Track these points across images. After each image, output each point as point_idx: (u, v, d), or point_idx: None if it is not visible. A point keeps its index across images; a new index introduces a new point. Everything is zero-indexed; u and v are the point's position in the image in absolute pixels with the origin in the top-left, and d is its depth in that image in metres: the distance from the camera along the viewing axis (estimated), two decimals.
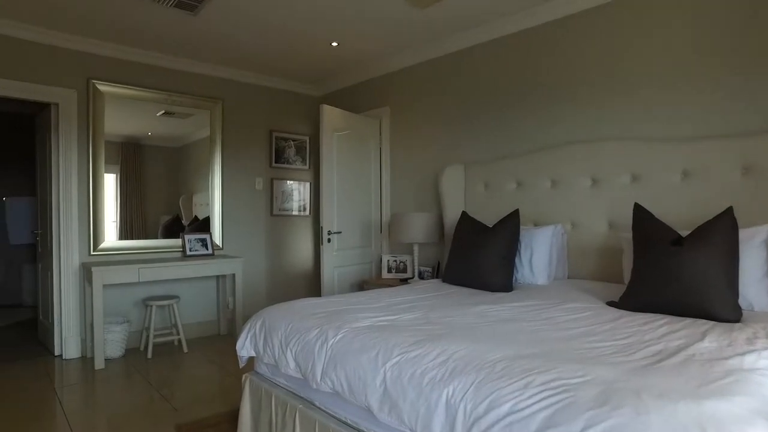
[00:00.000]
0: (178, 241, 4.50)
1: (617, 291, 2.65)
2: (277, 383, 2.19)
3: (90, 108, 4.05)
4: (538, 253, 3.10)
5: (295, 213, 5.35)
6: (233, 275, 4.45)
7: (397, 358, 1.61)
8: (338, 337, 1.84)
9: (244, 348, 2.27)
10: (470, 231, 3.26)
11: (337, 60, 4.57)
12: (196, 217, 4.65)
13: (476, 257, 3.05)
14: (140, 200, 4.32)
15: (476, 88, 3.89)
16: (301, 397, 2.04)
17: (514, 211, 3.09)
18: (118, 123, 4.19)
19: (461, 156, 4.01)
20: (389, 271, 4.26)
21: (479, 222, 3.32)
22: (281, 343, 2.05)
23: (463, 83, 3.98)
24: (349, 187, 4.36)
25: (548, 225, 3.20)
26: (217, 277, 4.77)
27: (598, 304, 2.36)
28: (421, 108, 4.33)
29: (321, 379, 1.81)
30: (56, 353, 4.07)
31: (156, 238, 4.40)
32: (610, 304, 2.37)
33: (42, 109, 4.40)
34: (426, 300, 2.55)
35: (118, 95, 4.19)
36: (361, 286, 4.27)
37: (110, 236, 4.17)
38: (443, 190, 3.88)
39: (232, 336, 4.69)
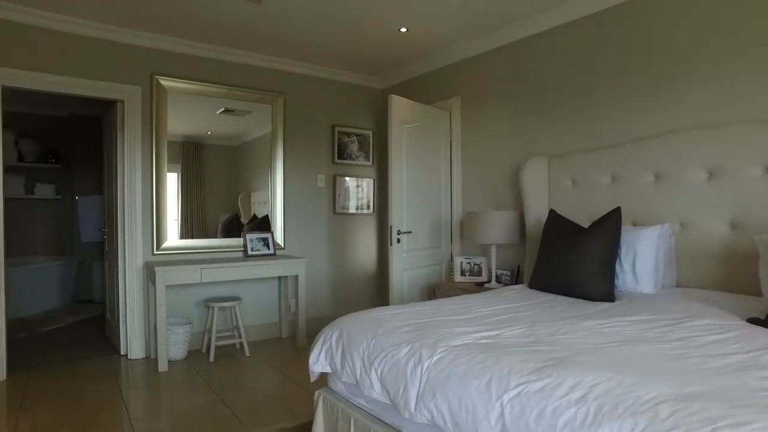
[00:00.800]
0: (238, 241, 4.36)
1: (753, 305, 2.22)
2: (358, 405, 1.93)
3: (153, 104, 3.96)
4: (643, 258, 2.69)
5: (358, 211, 5.11)
6: (296, 276, 4.25)
7: (517, 390, 1.30)
8: (435, 358, 1.55)
9: (318, 362, 2.01)
10: (562, 232, 2.89)
11: (405, 47, 4.28)
12: (254, 215, 4.50)
13: (571, 262, 2.68)
14: (200, 199, 4.21)
15: (560, 74, 3.50)
16: (387, 424, 1.76)
17: (615, 209, 2.69)
18: (179, 123, 4.09)
19: (542, 148, 3.63)
20: (462, 273, 3.93)
21: (571, 222, 2.94)
22: (363, 360, 1.78)
23: (544, 68, 3.60)
24: (418, 184, 4.06)
25: (653, 225, 2.79)
26: (279, 277, 4.60)
27: (736, 321, 1.96)
28: (497, 97, 3.97)
29: (415, 408, 1.52)
30: (122, 352, 4.01)
31: (215, 237, 4.27)
32: (753, 321, 1.96)
33: (109, 107, 4.36)
34: (521, 311, 2.21)
35: (180, 90, 4.08)
36: (433, 290, 3.96)
37: (172, 235, 4.07)
38: (525, 186, 3.51)
39: (294, 339, 4.50)
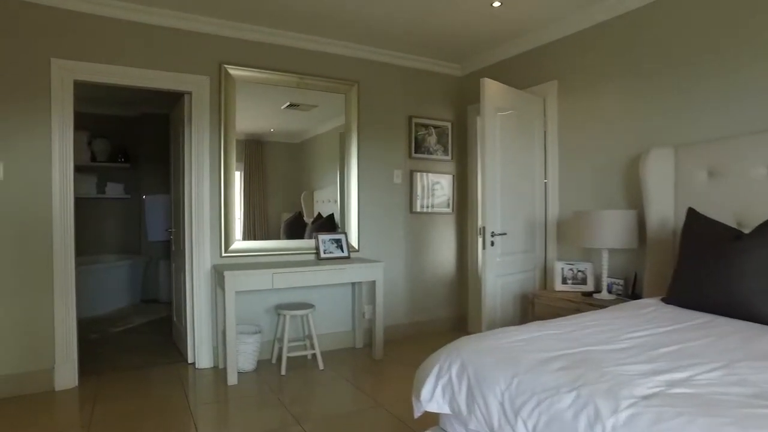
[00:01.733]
0: (309, 243, 4.02)
1: None
2: None
3: (221, 95, 3.69)
4: None
5: (436, 210, 4.67)
6: (372, 282, 3.87)
7: None
8: (623, 417, 1.09)
9: (434, 401, 1.59)
10: (713, 237, 2.34)
11: (494, 27, 3.80)
12: (319, 214, 4.16)
13: (732, 274, 2.13)
14: (262, 198, 3.91)
15: (695, 44, 2.91)
16: None
17: None
18: (243, 120, 3.80)
19: (666, 136, 3.06)
20: (564, 281, 3.41)
21: (723, 224, 2.38)
22: (504, 407, 1.34)
23: (673, 39, 3.02)
24: (512, 179, 3.57)
25: None
26: (352, 282, 4.22)
27: None
28: (605, 79, 3.42)
29: None
30: (189, 360, 3.76)
31: (278, 237, 3.96)
32: None
33: (175, 102, 4.15)
34: (688, 339, 1.70)
35: (248, 79, 3.79)
36: (530, 300, 3.47)
37: (240, 237, 3.78)
38: (646, 181, 2.95)
39: (369, 349, 4.12)
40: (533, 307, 3.40)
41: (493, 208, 3.37)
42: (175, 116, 4.16)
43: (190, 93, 3.65)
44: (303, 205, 4.14)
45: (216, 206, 3.69)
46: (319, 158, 4.20)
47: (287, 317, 3.56)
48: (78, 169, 6.62)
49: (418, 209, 4.57)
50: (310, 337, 3.78)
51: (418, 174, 4.56)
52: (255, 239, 3.84)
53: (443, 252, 4.75)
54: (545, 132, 3.88)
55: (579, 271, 3.39)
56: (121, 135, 6.63)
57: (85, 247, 6.36)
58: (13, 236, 3.14)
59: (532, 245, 3.81)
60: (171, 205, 4.51)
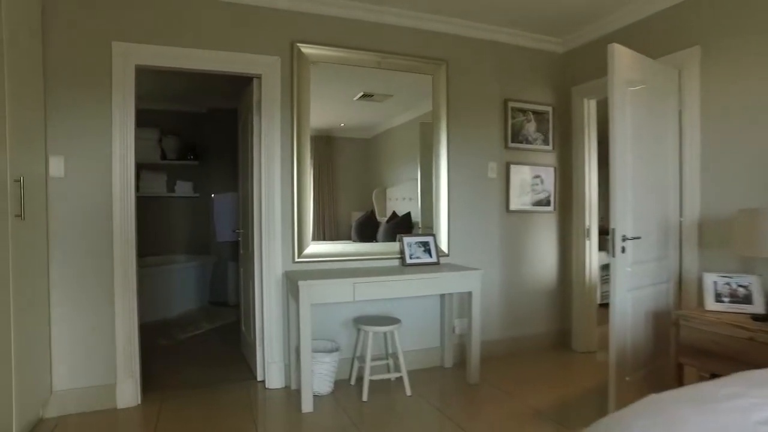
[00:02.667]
0: (391, 246, 3.51)
1: None
2: None
3: (294, 77, 3.24)
4: None
5: (535, 208, 4.02)
6: (467, 293, 3.29)
7: None
8: None
9: None
10: None
11: None
12: (394, 213, 3.64)
13: None
14: (332, 197, 3.43)
15: None
16: None
17: None
18: (312, 116, 3.33)
19: None
20: (718, 299, 2.68)
21: None
22: None
23: None
24: (642, 170, 2.87)
25: None
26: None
27: None
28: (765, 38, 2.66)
29: None
30: (259, 378, 3.35)
31: (348, 238, 3.47)
32: None
33: (243, 92, 3.76)
34: None
35: (323, 59, 3.32)
36: (674, 321, 2.75)
37: (315, 240, 3.32)
38: None
39: (461, 370, 3.54)
40: (678, 330, 2.69)
41: (623, 205, 2.70)
42: (244, 106, 3.77)
43: (259, 77, 3.23)
44: (375, 204, 3.64)
45: (288, 205, 3.25)
46: (393, 153, 3.69)
47: (370, 334, 3.05)
48: (148, 167, 6.51)
49: (515, 207, 3.94)
50: (394, 356, 3.27)
51: (515, 167, 3.93)
52: (325, 240, 3.38)
53: (543, 257, 4.08)
54: (680, 111, 3.14)
55: (740, 286, 2.65)
56: (190, 132, 6.43)
57: (154, 247, 6.21)
58: (74, 239, 2.83)
59: (665, 252, 3.09)
60: (239, 203, 4.14)
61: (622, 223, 2.67)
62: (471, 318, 3.26)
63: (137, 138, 6.00)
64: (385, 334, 3.48)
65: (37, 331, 2.62)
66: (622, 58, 2.70)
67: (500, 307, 3.92)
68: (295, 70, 3.24)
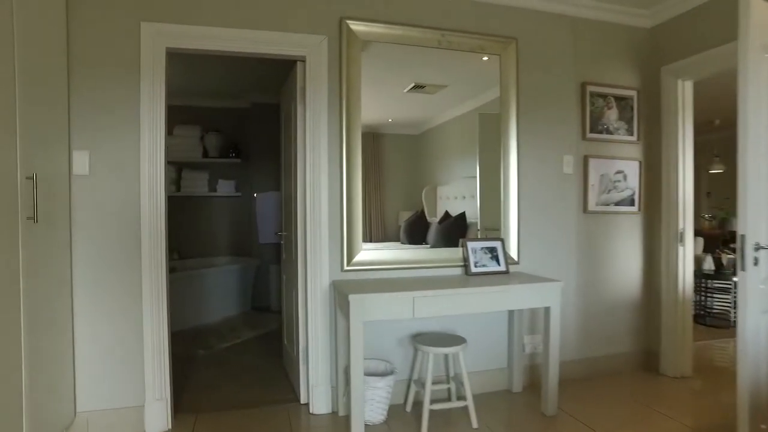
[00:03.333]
0: (451, 252, 3.06)
1: None
2: None
3: (343, 59, 2.84)
4: None
5: (617, 209, 3.48)
6: (546, 309, 2.79)
7: None
8: None
9: None
10: None
11: None
12: (447, 213, 3.19)
13: None
14: (379, 196, 3.01)
15: None
16: None
17: None
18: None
19: None
20: None
21: None
22: None
23: None
24: None
25: None
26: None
27: None
28: None
29: None
30: (302, 400, 2.97)
31: (397, 239, 3.05)
32: None
33: (285, 78, 3.39)
34: None
35: (376, 37, 2.91)
36: None
37: (366, 245, 2.90)
38: None
39: (531, 395, 3.06)
40: None
41: (757, 207, 2.14)
42: (286, 94, 3.40)
43: (303, 59, 2.84)
44: (425, 203, 3.20)
45: (336, 206, 2.85)
46: (445, 149, 3.24)
47: (430, 356, 2.61)
48: (190, 166, 6.31)
49: (594, 208, 3.41)
50: (457, 379, 2.82)
51: (594, 160, 3.40)
52: (372, 242, 2.96)
53: (626, 265, 3.53)
54: None
55: None
56: (232, 128, 6.17)
57: (195, 249, 5.99)
58: (100, 242, 2.53)
59: None
60: (281, 203, 3.79)
61: (754, 229, 2.11)
62: (548, 337, 2.76)
63: (178, 136, 5.82)
64: (447, 355, 3.03)
65: (59, 348, 2.32)
66: (760, 13, 2.13)
67: (576, 323, 3.40)
68: (344, 51, 2.84)
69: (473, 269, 2.95)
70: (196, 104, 5.99)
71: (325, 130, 2.83)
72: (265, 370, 3.63)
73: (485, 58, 3.17)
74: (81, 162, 2.50)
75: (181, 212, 5.95)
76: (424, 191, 3.23)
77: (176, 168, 5.88)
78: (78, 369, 2.51)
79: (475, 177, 3.23)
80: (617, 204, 3.47)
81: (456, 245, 3.10)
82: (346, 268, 2.81)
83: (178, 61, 4.80)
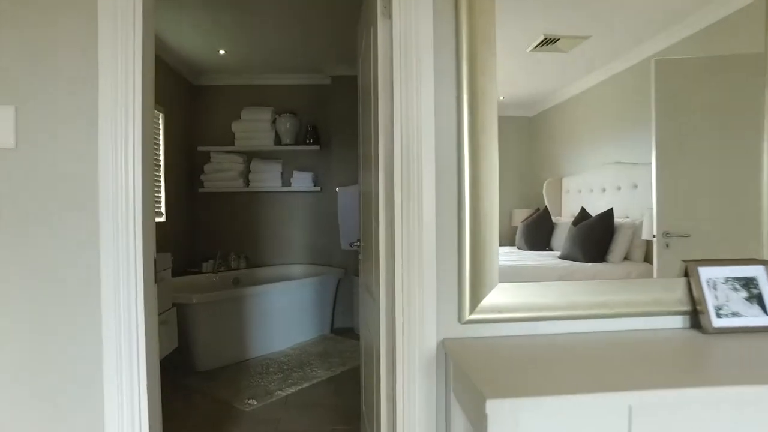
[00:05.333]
0: (645, 289, 1.65)
1: None
2: None
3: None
4: None
5: None
6: None
7: None
8: None
9: None
10: None
11: None
12: (583, 210, 1.95)
13: None
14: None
15: None
16: None
17: None
18: None
19: None
20: None
21: None
22: None
23: None
24: None
25: None
26: None
27: None
28: None
29: None
30: None
31: (512, 244, 1.87)
32: None
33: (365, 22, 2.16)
34: None
35: None
36: None
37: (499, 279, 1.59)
38: None
39: None
40: None
41: None
42: (364, 45, 2.17)
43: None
44: (546, 199, 1.95)
45: (450, 205, 1.54)
46: (575, 130, 2.03)
47: None
48: (260, 156, 5.36)
49: None
50: None
51: None
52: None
53: None
54: None
55: None
56: (309, 109, 5.11)
57: (265, 255, 5.02)
58: (27, 255, 1.46)
59: None
60: (360, 200, 2.59)
61: None
62: None
63: (246, 120, 4.82)
64: None
65: None
66: None
67: None
68: None
69: (715, 321, 1.52)
70: (266, 82, 5.01)
71: (430, 93, 1.53)
72: None
73: None
74: (1, 126, 1.44)
75: (248, 211, 5.01)
76: (545, 184, 2.00)
77: (244, 158, 4.94)
78: None
79: (632, 162, 1.97)
80: None
81: (601, 253, 1.84)
82: (468, 317, 1.49)
83: (240, 31, 3.81)
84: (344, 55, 4.50)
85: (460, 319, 1.51)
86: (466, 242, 1.47)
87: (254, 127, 4.88)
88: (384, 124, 1.61)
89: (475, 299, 1.48)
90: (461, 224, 1.49)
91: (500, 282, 1.50)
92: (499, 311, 1.49)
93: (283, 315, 4.21)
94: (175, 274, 4.31)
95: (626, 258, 2.20)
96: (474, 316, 1.49)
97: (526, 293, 1.50)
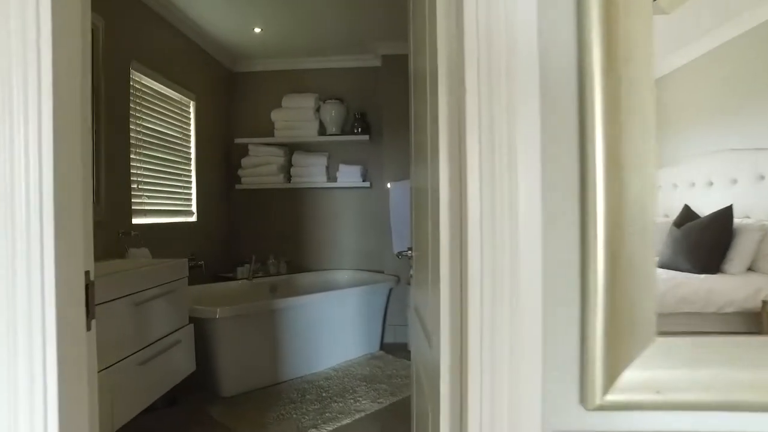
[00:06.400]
0: None
1: None
2: None
3: None
4: None
5: None
6: None
7: None
8: None
9: None
10: None
11: None
12: (687, 208, 1.14)
13: None
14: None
15: None
16: None
17: None
18: None
19: None
20: None
21: None
22: None
23: None
24: None
25: None
26: None
27: None
28: None
29: None
30: None
31: None
32: None
33: None
34: None
35: None
36: None
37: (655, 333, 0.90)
38: None
39: None
40: None
41: None
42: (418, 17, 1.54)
43: None
44: None
45: (565, 198, 0.88)
46: (668, 115, 1.20)
47: None
48: (303, 148, 4.83)
49: None
50: None
51: None
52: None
53: None
54: None
55: None
56: (357, 95, 4.54)
57: (308, 259, 4.49)
58: None
59: None
60: (411, 200, 1.97)
61: None
62: None
63: (287, 108, 4.25)
64: None
65: None
66: None
67: None
68: None
69: None
70: (308, 66, 4.49)
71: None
72: None
73: None
74: None
75: (289, 209, 4.50)
76: None
77: (285, 151, 4.43)
78: None
79: (754, 148, 1.21)
80: None
81: (715, 261, 1.25)
82: (600, 401, 0.82)
83: (276, 5, 3.30)
84: (396, 30, 3.89)
85: (584, 401, 0.83)
86: (599, 263, 0.80)
87: (296, 116, 4.36)
88: (446, 122, 0.95)
89: (614, 368, 0.81)
90: (586, 231, 0.82)
91: (659, 335, 0.82)
92: (657, 390, 0.81)
93: (324, 330, 3.65)
94: (205, 280, 3.85)
95: (750, 269, 1.49)
96: (611, 398, 0.81)
97: (712, 357, 0.81)
